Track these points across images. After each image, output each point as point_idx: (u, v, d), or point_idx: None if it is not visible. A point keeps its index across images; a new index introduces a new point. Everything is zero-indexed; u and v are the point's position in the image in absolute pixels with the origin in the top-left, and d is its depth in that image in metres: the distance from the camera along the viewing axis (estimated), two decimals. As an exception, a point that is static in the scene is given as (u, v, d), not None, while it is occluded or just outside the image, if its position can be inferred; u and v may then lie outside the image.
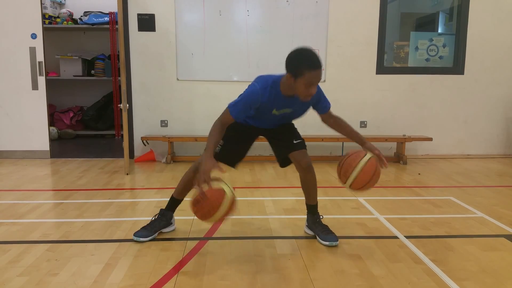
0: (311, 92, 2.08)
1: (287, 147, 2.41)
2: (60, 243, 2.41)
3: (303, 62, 2.05)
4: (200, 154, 2.69)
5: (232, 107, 2.17)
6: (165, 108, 5.00)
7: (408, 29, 5.55)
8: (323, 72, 4.99)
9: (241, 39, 4.88)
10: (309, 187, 2.49)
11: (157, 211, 2.55)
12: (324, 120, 2.44)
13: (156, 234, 2.46)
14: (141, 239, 2.40)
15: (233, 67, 4.91)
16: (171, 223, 2.56)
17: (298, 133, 2.48)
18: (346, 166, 2.16)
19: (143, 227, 2.47)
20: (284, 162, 2.49)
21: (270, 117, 2.29)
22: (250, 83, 2.23)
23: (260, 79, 2.19)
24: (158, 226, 2.48)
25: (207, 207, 1.97)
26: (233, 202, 2.03)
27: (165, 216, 2.51)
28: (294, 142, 2.41)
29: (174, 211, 2.54)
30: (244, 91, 2.20)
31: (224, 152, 2.37)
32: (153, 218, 2.51)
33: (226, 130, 2.29)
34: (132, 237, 2.44)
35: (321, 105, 2.35)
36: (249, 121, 2.38)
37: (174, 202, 2.51)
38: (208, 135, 2.18)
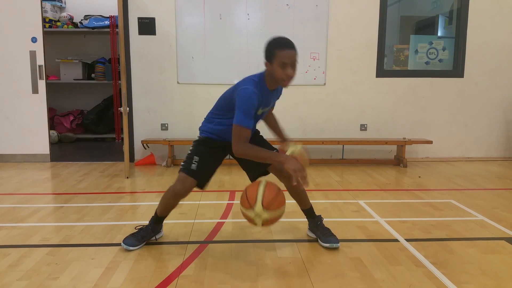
0: (288, 73, 2.11)
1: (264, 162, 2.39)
2: (60, 247, 2.41)
3: (273, 44, 2.15)
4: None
5: (242, 121, 2.09)
6: (165, 112, 5.01)
7: (408, 32, 5.57)
8: (323, 75, 5.05)
9: (242, 42, 4.89)
10: (298, 193, 2.47)
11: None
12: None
13: (143, 244, 2.41)
14: (130, 247, 2.34)
15: (233, 71, 4.91)
16: (159, 231, 2.53)
17: (268, 142, 2.49)
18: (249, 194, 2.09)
19: (131, 234, 2.41)
20: (257, 177, 2.45)
21: (255, 119, 2.27)
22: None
23: (248, 82, 2.16)
24: (149, 236, 2.43)
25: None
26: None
27: (155, 230, 2.46)
28: None
29: (161, 222, 2.49)
30: (238, 102, 2.12)
31: (201, 168, 2.30)
32: (143, 226, 2.46)
33: (200, 145, 2.33)
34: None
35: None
36: (224, 136, 2.31)
37: (159, 218, 2.45)
38: (250, 154, 2.16)
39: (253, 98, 2.11)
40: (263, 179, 2.16)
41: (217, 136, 2.34)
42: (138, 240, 2.39)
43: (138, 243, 2.38)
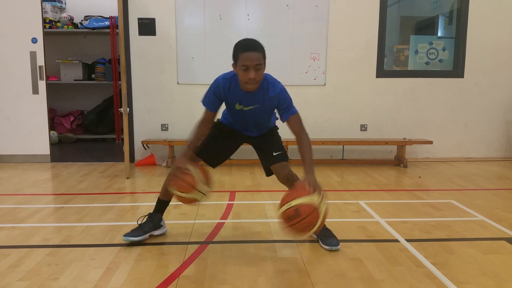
0: (250, 76, 2.09)
1: (268, 160, 2.42)
2: (60, 248, 2.41)
3: (237, 47, 2.16)
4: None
5: (203, 99, 2.32)
6: (165, 112, 5.01)
7: (408, 32, 5.57)
8: (323, 75, 5.05)
9: (241, 43, 4.89)
10: None
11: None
12: (292, 132, 2.30)
13: (147, 236, 2.46)
14: (131, 238, 2.39)
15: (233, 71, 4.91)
16: (161, 226, 2.55)
17: (280, 143, 2.46)
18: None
19: (133, 229, 2.46)
20: (268, 172, 2.47)
21: (239, 114, 2.33)
22: None
23: (225, 73, 2.29)
24: (148, 228, 2.47)
25: (304, 225, 2.01)
26: (325, 213, 2.08)
27: (153, 218, 2.49)
28: (274, 154, 2.40)
29: (162, 213, 2.53)
30: None
31: (203, 147, 2.40)
32: (142, 222, 2.50)
33: (212, 129, 2.39)
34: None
35: (282, 110, 2.25)
36: (231, 122, 2.45)
37: (160, 204, 2.51)
38: (190, 134, 2.35)
39: (215, 86, 2.26)
40: (191, 167, 2.24)
41: (225, 119, 2.48)
42: (139, 231, 2.44)
43: (140, 234, 2.43)
